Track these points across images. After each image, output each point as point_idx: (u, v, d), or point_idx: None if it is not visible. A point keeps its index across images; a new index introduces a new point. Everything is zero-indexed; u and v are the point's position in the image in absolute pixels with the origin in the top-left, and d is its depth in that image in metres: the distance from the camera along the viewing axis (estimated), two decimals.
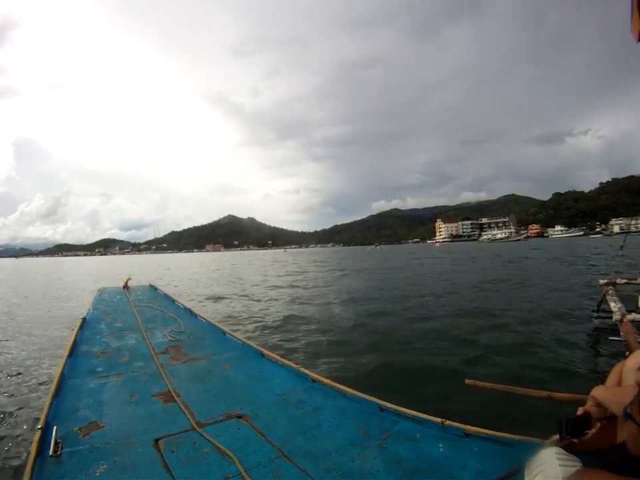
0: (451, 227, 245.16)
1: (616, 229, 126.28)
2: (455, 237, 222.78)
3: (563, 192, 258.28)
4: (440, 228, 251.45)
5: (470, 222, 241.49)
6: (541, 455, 1.56)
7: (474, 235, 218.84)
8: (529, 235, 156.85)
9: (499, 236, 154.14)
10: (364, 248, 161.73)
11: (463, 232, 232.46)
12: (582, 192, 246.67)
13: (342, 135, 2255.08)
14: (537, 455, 1.57)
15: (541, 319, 8.05)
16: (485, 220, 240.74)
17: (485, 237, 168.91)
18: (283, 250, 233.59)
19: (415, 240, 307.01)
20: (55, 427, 2.23)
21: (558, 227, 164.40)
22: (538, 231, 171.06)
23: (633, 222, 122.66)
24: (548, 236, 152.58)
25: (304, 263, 44.25)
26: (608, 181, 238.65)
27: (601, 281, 5.92)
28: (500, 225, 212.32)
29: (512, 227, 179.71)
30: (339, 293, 14.25)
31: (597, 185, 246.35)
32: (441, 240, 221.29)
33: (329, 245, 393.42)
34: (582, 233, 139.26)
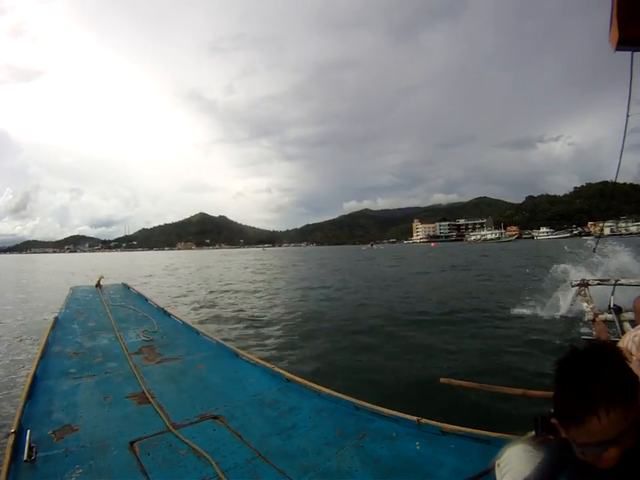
0: (428, 228, 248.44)
1: (607, 231, 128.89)
2: (432, 238, 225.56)
3: (536, 195, 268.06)
4: (417, 228, 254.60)
5: (447, 223, 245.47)
6: (509, 452, 1.57)
7: (452, 235, 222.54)
8: (518, 236, 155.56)
9: (488, 237, 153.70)
10: (357, 248, 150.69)
11: (441, 233, 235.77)
12: (555, 195, 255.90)
13: (316, 135, 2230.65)
14: (506, 452, 1.58)
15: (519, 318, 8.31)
16: (462, 221, 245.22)
17: (472, 237, 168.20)
18: (262, 249, 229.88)
19: (392, 240, 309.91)
20: (28, 431, 2.20)
21: (543, 229, 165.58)
22: (517, 232, 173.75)
23: (623, 224, 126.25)
24: (532, 237, 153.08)
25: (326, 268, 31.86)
26: (582, 186, 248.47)
27: (574, 282, 6.13)
28: (477, 226, 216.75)
29: (490, 228, 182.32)
30: None
31: (569, 190, 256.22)
32: (420, 240, 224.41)
33: (303, 244, 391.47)
34: (568, 234, 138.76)
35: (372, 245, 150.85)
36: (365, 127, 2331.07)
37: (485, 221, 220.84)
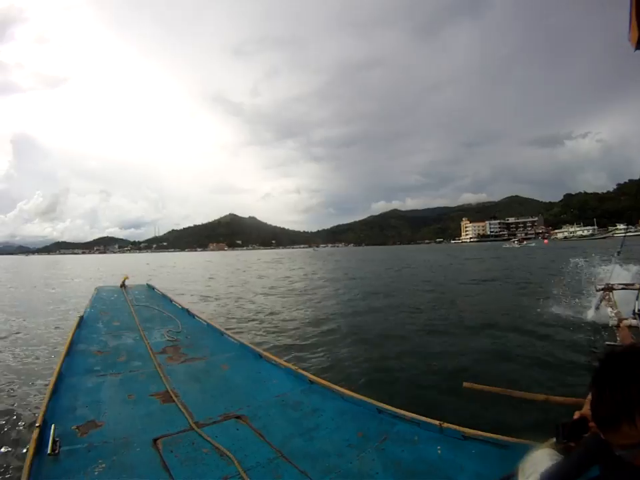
0: (478, 227, 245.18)
1: None
2: (482, 237, 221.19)
3: (574, 193, 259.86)
4: (466, 227, 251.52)
5: (498, 221, 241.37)
6: (534, 456, 1.59)
7: (503, 234, 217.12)
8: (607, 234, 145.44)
9: (579, 233, 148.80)
10: (494, 244, 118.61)
11: (491, 232, 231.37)
12: (595, 193, 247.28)
13: (342, 136, 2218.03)
14: (531, 456, 1.61)
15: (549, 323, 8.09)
16: (512, 219, 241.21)
17: (559, 234, 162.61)
18: (312, 249, 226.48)
19: (438, 240, 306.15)
20: (52, 425, 2.33)
21: (621, 226, 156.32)
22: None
23: None
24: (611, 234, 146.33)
25: None
26: (625, 182, 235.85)
27: (598, 286, 6.02)
28: (528, 224, 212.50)
29: (541, 226, 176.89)
30: None
31: (603, 186, 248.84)
32: (470, 239, 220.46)
33: (340, 245, 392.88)
34: None
35: (519, 241, 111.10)
36: (390, 126, 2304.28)
37: (535, 219, 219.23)
